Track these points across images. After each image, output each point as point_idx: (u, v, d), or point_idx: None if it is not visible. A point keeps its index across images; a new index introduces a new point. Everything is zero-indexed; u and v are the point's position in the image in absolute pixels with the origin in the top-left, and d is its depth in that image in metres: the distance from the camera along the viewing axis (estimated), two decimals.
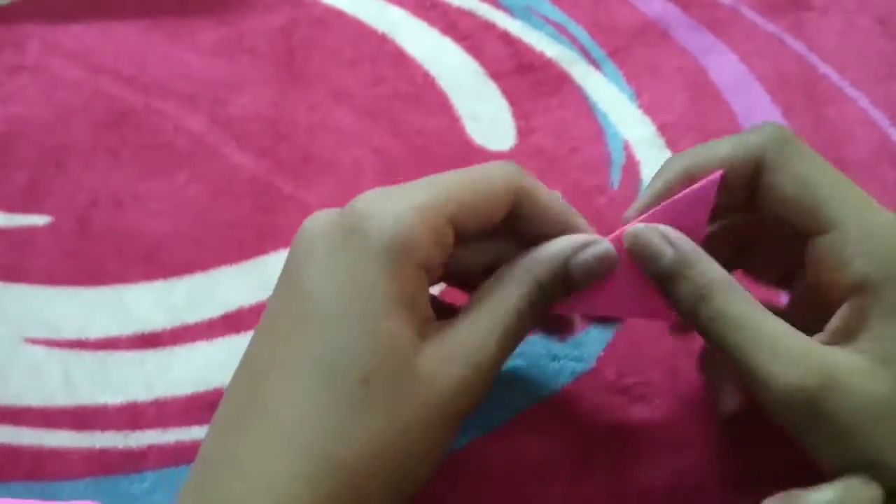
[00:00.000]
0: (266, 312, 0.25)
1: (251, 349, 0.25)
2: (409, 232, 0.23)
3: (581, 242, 0.25)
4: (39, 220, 0.35)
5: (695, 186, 0.25)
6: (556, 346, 0.32)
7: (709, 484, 0.29)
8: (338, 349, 0.22)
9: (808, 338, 0.24)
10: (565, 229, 0.25)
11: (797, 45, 0.41)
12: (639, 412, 0.30)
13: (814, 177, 0.25)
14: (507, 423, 0.30)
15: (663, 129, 0.38)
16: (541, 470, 0.29)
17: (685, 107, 0.39)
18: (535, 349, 0.32)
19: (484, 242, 0.26)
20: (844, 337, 0.24)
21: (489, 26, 0.42)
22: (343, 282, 0.23)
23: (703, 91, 0.39)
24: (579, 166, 0.37)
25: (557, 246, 0.25)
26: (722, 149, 0.25)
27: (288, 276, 0.25)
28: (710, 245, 0.25)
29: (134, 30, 0.42)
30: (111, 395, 0.31)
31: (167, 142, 0.38)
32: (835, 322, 0.24)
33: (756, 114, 0.39)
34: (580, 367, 0.31)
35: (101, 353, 0.32)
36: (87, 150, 0.37)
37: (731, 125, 0.38)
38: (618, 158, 0.37)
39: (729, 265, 0.25)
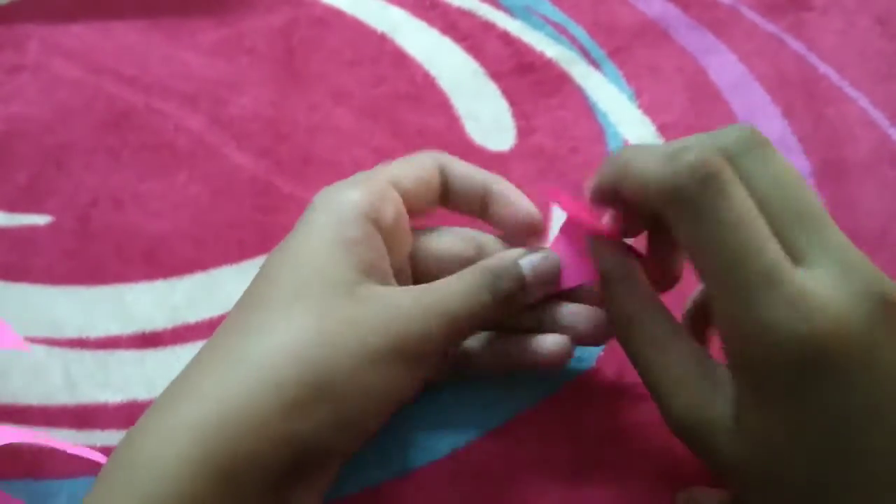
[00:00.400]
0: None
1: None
2: (354, 194, 0.27)
3: (532, 249, 0.28)
4: (40, 219, 0.36)
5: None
6: None
7: (708, 484, 0.29)
8: (274, 281, 0.26)
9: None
10: (486, 184, 0.29)
11: (797, 45, 0.41)
12: (639, 412, 0.30)
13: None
14: (508, 424, 0.30)
15: (663, 129, 0.38)
16: (541, 470, 0.29)
17: (685, 107, 0.39)
18: None
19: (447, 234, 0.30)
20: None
21: (489, 26, 0.42)
22: (302, 230, 0.27)
23: (702, 91, 0.39)
24: (579, 166, 0.37)
25: (513, 251, 0.28)
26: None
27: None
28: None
29: (134, 30, 0.42)
30: (112, 394, 0.31)
31: (167, 142, 0.38)
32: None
33: (756, 113, 0.39)
34: (580, 366, 0.31)
35: (102, 353, 0.32)
36: (88, 150, 0.37)
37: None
38: None
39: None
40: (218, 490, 0.22)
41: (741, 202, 0.22)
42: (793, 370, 0.22)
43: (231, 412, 0.23)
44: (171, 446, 0.22)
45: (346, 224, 0.26)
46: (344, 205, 0.26)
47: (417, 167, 0.29)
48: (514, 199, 0.29)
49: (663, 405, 0.25)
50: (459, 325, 0.26)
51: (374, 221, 0.27)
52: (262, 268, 0.27)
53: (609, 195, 0.26)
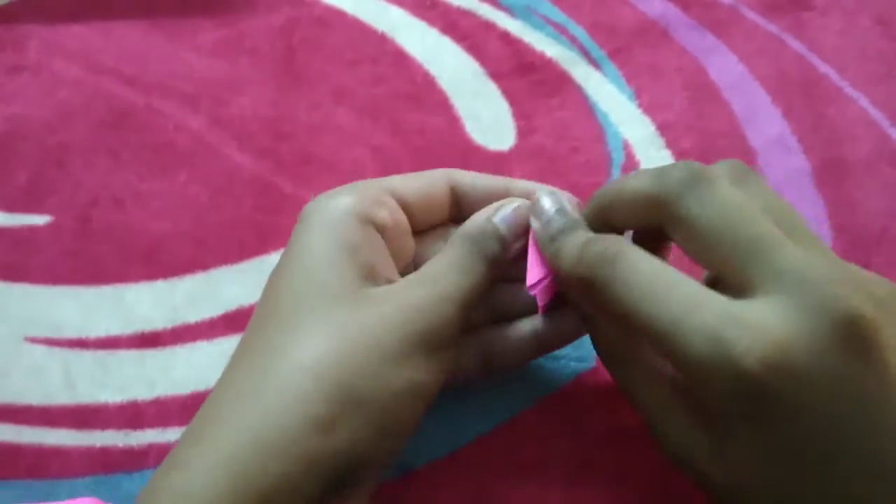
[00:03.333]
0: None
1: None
2: (347, 199, 0.27)
3: (499, 204, 0.28)
4: (40, 219, 0.36)
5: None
6: None
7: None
8: (278, 295, 0.25)
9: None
10: (506, 189, 0.29)
11: (797, 45, 0.41)
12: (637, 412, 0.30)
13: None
14: (508, 423, 0.30)
15: (663, 128, 0.38)
16: (541, 470, 0.29)
17: (685, 107, 0.39)
18: None
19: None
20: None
21: (489, 26, 0.42)
22: (298, 238, 0.27)
23: (703, 91, 0.39)
24: (579, 166, 0.37)
25: (479, 214, 0.28)
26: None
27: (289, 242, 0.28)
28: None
29: (134, 30, 0.42)
30: (112, 394, 0.31)
31: (168, 141, 0.38)
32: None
33: (756, 114, 0.39)
34: (580, 366, 0.31)
35: (102, 353, 0.32)
36: (88, 150, 0.38)
37: (730, 125, 0.38)
38: (618, 158, 0.37)
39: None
40: None
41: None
42: (732, 400, 0.21)
43: (262, 439, 0.22)
44: (206, 480, 0.22)
45: (342, 228, 0.26)
46: (338, 209, 0.26)
47: (423, 181, 0.29)
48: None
49: (655, 437, 0.26)
50: (467, 302, 0.26)
51: (371, 223, 0.26)
52: (268, 284, 0.27)
53: (603, 218, 0.27)
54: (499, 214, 0.27)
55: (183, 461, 0.23)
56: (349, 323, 0.24)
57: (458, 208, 0.29)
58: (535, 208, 0.28)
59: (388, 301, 0.25)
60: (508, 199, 0.28)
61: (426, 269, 0.26)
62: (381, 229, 0.27)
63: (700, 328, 0.21)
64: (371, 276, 0.26)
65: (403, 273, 0.27)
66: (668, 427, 0.25)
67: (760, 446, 0.22)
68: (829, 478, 0.21)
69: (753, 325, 0.21)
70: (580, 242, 0.25)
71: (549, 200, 0.27)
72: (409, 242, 0.29)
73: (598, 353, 0.27)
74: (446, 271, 0.26)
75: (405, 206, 0.28)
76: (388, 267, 0.27)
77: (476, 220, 0.27)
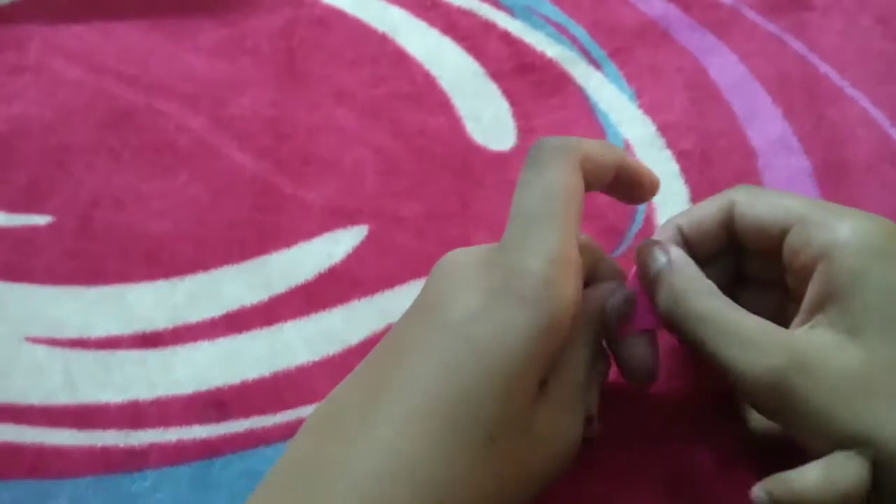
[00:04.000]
0: (401, 323, 0.25)
1: (375, 356, 0.25)
2: (560, 295, 0.23)
3: (610, 288, 0.28)
4: (41, 219, 0.36)
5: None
6: None
7: (709, 484, 0.29)
8: (470, 397, 0.22)
9: (778, 327, 0.24)
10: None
11: (798, 46, 0.41)
12: (638, 413, 0.30)
13: (779, 196, 0.27)
14: None
15: (664, 129, 0.38)
16: None
17: (685, 107, 0.39)
18: None
19: None
20: (817, 310, 0.25)
21: (490, 26, 0.42)
22: (492, 329, 0.23)
23: (703, 91, 0.39)
24: None
25: (594, 297, 0.27)
26: (701, 205, 0.29)
27: (430, 306, 0.25)
28: (713, 267, 0.28)
29: (135, 30, 0.42)
30: (113, 394, 0.31)
31: (168, 142, 0.38)
32: (807, 300, 0.25)
33: (756, 114, 0.39)
34: None
35: (103, 353, 0.32)
36: (89, 150, 0.38)
37: (731, 125, 0.38)
38: None
39: (733, 278, 0.29)
40: None
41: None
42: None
43: None
44: None
45: (549, 356, 0.24)
46: (547, 318, 0.23)
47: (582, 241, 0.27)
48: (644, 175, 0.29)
49: (732, 370, 0.24)
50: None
51: (568, 325, 0.24)
52: (438, 335, 0.23)
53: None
54: (610, 303, 0.27)
55: None
56: (513, 457, 0.23)
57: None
58: (640, 253, 0.27)
59: (548, 444, 0.24)
60: (620, 289, 0.28)
61: (571, 400, 0.25)
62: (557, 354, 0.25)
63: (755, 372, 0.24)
64: (544, 377, 0.24)
65: None
66: (766, 345, 0.24)
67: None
68: None
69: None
70: (668, 281, 0.26)
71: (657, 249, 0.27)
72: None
73: (674, 297, 0.26)
74: (578, 399, 0.26)
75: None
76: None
77: (595, 314, 0.27)
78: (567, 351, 0.25)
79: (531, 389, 0.23)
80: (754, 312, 0.26)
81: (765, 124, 0.38)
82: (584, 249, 0.26)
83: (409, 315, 0.25)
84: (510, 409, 0.23)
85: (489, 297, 0.23)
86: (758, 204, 0.27)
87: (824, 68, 0.40)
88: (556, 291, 0.23)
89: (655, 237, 0.29)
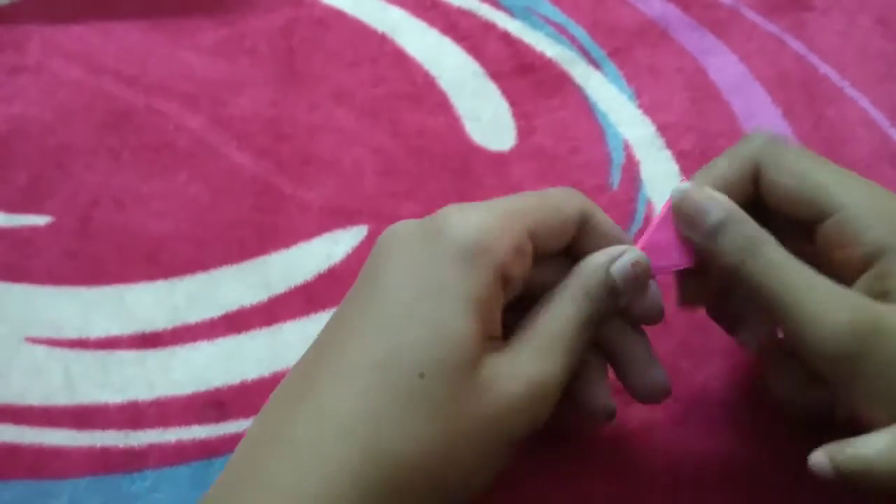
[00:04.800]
0: (340, 305, 0.25)
1: (320, 337, 0.25)
2: (488, 236, 0.23)
3: (618, 251, 0.26)
4: (40, 220, 0.36)
5: (662, 210, 0.27)
6: None
7: (709, 484, 0.29)
8: (401, 343, 0.22)
9: (853, 291, 0.24)
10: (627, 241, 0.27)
11: (797, 46, 0.41)
12: (639, 412, 0.30)
13: (808, 168, 0.26)
14: None
15: (663, 129, 0.38)
16: (541, 470, 0.29)
17: (685, 107, 0.39)
18: None
19: (553, 264, 0.26)
20: (878, 299, 0.24)
21: (489, 26, 0.42)
22: (417, 280, 0.23)
23: (703, 91, 0.39)
24: (579, 166, 0.37)
25: (597, 258, 0.26)
26: (720, 163, 0.27)
27: (365, 274, 0.25)
28: None
29: (135, 30, 0.42)
30: (112, 395, 0.31)
31: (168, 142, 0.38)
32: (864, 290, 0.24)
33: (756, 114, 0.39)
34: None
35: (102, 353, 0.32)
36: (88, 151, 0.38)
37: (730, 126, 0.38)
38: (618, 158, 0.37)
39: None
40: None
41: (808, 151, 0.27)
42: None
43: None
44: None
45: (482, 284, 0.23)
46: (480, 257, 0.23)
47: (559, 216, 0.26)
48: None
49: (810, 321, 0.23)
50: (566, 381, 0.25)
51: (503, 277, 0.24)
52: (372, 291, 0.24)
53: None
54: (617, 266, 0.25)
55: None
56: (459, 414, 0.22)
57: (577, 240, 0.27)
58: (686, 200, 0.26)
59: (497, 393, 0.23)
60: (627, 247, 0.26)
61: (540, 363, 0.24)
62: (507, 281, 0.24)
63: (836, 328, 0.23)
64: (488, 345, 0.24)
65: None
66: (842, 300, 0.24)
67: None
68: None
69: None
70: (734, 231, 0.25)
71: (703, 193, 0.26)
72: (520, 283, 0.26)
73: (736, 250, 0.25)
74: (554, 351, 0.24)
75: (535, 241, 0.25)
76: (497, 320, 0.25)
77: (593, 271, 0.25)
78: (546, 303, 0.25)
79: (467, 331, 0.23)
80: None
81: (764, 124, 0.38)
82: (565, 202, 0.26)
83: (351, 291, 0.25)
84: (442, 351, 0.22)
85: (417, 255, 0.24)
86: (785, 175, 0.26)
87: (824, 68, 0.40)
88: (481, 237, 0.23)
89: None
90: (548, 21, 0.42)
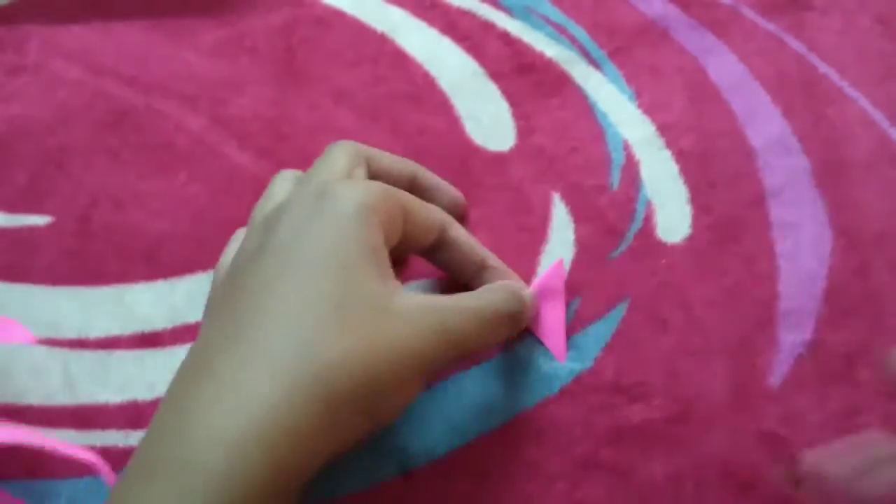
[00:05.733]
0: (236, 268, 0.27)
1: (219, 300, 0.27)
2: (375, 200, 0.26)
3: (521, 288, 0.31)
4: (40, 219, 0.36)
5: (549, 269, 0.32)
6: None
7: (709, 483, 0.29)
8: (315, 290, 0.25)
9: None
10: (484, 257, 0.31)
11: (797, 45, 0.41)
12: (638, 412, 0.30)
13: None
14: (507, 425, 0.30)
15: (663, 129, 0.38)
16: (541, 470, 0.29)
17: (685, 107, 0.39)
18: (533, 349, 0.32)
19: None
20: None
21: (489, 27, 0.42)
22: (318, 237, 0.26)
23: (702, 91, 0.39)
24: (579, 166, 0.37)
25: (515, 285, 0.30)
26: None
27: (266, 231, 0.27)
28: None
29: (134, 30, 0.42)
30: (112, 394, 0.31)
31: (168, 142, 0.38)
32: None
33: (756, 114, 0.39)
34: (578, 366, 0.31)
35: (102, 353, 0.32)
36: (88, 151, 0.38)
37: (730, 125, 0.38)
38: (618, 158, 0.37)
39: None
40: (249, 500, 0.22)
41: None
42: None
43: (282, 427, 0.23)
44: (208, 454, 0.22)
45: (375, 236, 0.26)
46: (373, 219, 0.26)
47: (424, 211, 0.29)
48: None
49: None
50: (476, 348, 0.28)
51: (383, 226, 0.27)
52: (281, 250, 0.26)
53: None
54: (526, 292, 0.30)
55: (180, 433, 0.23)
56: (380, 336, 0.25)
57: (437, 248, 0.31)
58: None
59: (414, 322, 0.26)
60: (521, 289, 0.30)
61: (462, 300, 0.28)
62: (387, 239, 0.27)
63: None
64: (392, 279, 0.26)
65: None
66: None
67: None
68: None
69: None
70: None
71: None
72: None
73: None
74: (466, 318, 0.27)
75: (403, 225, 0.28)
76: (390, 269, 0.27)
77: (511, 285, 0.30)
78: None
79: (373, 272, 0.25)
80: None
81: (764, 124, 0.38)
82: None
83: (255, 253, 0.27)
84: (355, 287, 0.25)
85: (317, 213, 0.26)
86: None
87: (824, 68, 0.40)
88: (370, 200, 0.26)
89: None
90: (548, 21, 0.42)
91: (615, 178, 0.37)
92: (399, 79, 0.40)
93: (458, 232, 0.30)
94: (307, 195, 0.27)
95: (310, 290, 0.25)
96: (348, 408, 0.24)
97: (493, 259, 0.31)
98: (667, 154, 0.37)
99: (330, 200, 0.26)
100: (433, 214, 0.30)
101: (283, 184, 0.30)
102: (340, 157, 0.30)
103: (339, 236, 0.26)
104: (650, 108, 0.39)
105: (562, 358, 0.31)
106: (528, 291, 0.31)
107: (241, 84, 0.40)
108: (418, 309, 0.26)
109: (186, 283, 0.34)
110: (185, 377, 0.25)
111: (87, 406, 0.31)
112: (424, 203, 0.30)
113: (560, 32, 0.42)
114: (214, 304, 0.28)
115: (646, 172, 0.37)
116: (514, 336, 0.31)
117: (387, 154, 0.32)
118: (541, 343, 0.32)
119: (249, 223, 0.29)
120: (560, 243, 0.35)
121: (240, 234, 0.31)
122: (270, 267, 0.26)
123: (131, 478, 0.23)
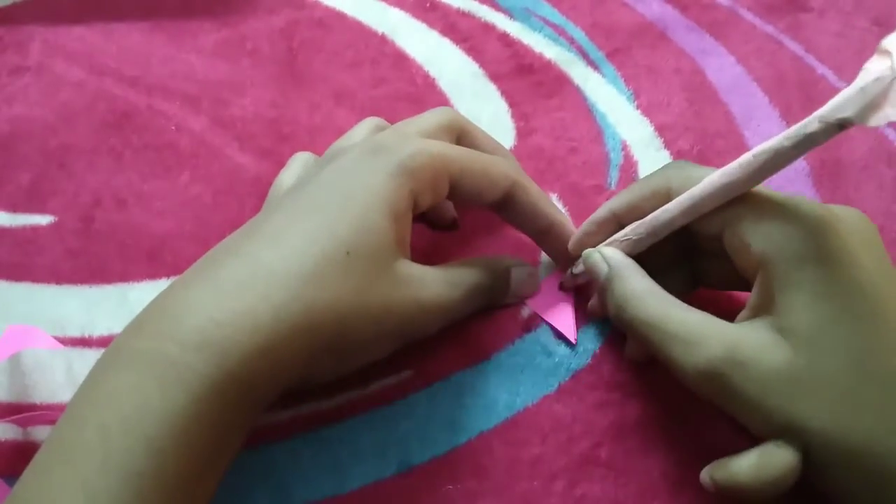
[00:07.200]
0: (289, 189, 0.30)
1: (257, 217, 0.28)
2: (415, 163, 0.28)
3: (520, 262, 0.32)
4: (43, 219, 0.36)
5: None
6: (552, 344, 0.32)
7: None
8: (334, 224, 0.26)
9: (719, 321, 0.26)
10: (549, 224, 0.32)
11: (794, 47, 0.41)
12: (636, 408, 0.31)
13: None
14: (506, 422, 0.30)
15: (661, 129, 0.38)
16: (540, 468, 0.30)
17: (683, 108, 0.39)
18: (532, 347, 0.32)
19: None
20: (760, 311, 0.26)
21: (489, 28, 0.42)
22: (356, 182, 0.27)
23: (700, 92, 0.40)
24: (578, 166, 0.37)
25: (508, 261, 0.32)
26: (634, 188, 0.30)
27: (323, 166, 0.29)
28: (670, 274, 0.30)
29: (136, 31, 0.42)
30: None
31: (169, 142, 0.38)
32: (751, 299, 0.27)
33: (753, 115, 0.39)
34: (576, 363, 0.32)
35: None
36: (90, 151, 0.38)
37: (728, 126, 0.38)
38: (616, 159, 0.37)
39: (690, 284, 0.31)
40: (216, 408, 0.23)
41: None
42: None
43: (264, 347, 0.24)
44: (196, 358, 0.23)
45: (399, 198, 0.27)
46: (403, 180, 0.28)
47: (485, 172, 0.30)
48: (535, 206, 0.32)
49: (675, 366, 0.27)
50: (453, 320, 0.30)
51: (415, 195, 0.28)
52: (321, 186, 0.28)
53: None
54: (516, 271, 0.32)
55: (165, 332, 0.24)
56: (376, 291, 0.26)
57: (505, 205, 0.31)
58: (587, 259, 0.30)
59: (409, 290, 0.27)
60: (522, 262, 0.32)
61: (447, 282, 0.29)
62: (415, 207, 0.29)
63: (696, 365, 0.26)
64: (402, 250, 0.28)
65: None
66: (713, 339, 0.26)
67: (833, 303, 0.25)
68: None
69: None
70: (610, 289, 0.29)
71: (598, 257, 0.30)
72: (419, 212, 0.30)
73: (620, 299, 0.29)
74: (459, 287, 0.29)
75: (455, 187, 0.30)
76: (407, 233, 0.29)
77: (499, 262, 0.32)
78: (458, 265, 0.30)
79: (387, 229, 0.27)
80: (714, 279, 0.30)
81: (762, 125, 0.38)
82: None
83: (291, 187, 0.30)
84: (368, 238, 0.26)
85: (354, 162, 0.28)
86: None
87: (821, 69, 0.40)
88: (409, 163, 0.28)
89: (592, 221, 0.31)
90: (546, 22, 0.42)
91: (613, 178, 0.37)
92: (399, 79, 0.40)
93: (525, 195, 0.31)
94: (366, 146, 0.28)
95: (327, 229, 0.26)
96: (324, 348, 0.25)
97: (557, 227, 0.32)
98: (665, 154, 0.38)
99: (379, 158, 0.28)
100: (498, 175, 0.30)
101: (363, 129, 0.32)
102: (430, 120, 0.31)
103: (371, 193, 0.27)
104: (648, 108, 0.39)
105: (573, 338, 0.32)
106: (523, 269, 0.32)
107: (243, 85, 0.40)
108: (420, 285, 0.28)
109: None
110: (184, 275, 0.26)
111: None
112: (495, 163, 0.30)
113: (559, 34, 0.42)
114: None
115: (644, 172, 0.37)
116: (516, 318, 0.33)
117: (481, 132, 0.33)
118: (549, 328, 0.32)
119: (325, 154, 0.31)
120: None
121: (299, 157, 0.33)
122: (305, 198, 0.27)
123: (106, 364, 0.25)
